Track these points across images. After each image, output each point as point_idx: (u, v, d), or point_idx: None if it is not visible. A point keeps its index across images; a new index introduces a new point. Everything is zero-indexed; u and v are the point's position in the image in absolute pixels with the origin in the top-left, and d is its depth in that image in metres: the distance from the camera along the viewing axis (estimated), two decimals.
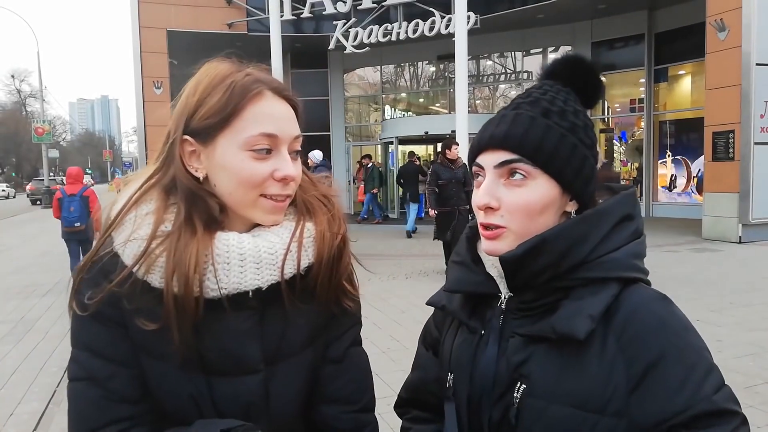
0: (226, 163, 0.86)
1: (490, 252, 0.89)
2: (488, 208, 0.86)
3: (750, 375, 3.97)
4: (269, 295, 0.88)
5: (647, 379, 0.78)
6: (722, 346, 4.50)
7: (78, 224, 7.17)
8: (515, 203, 0.85)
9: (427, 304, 1.05)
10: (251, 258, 0.86)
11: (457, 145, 7.87)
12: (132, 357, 0.87)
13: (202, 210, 0.86)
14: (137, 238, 0.84)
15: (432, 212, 7.75)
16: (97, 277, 0.85)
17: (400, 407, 1.13)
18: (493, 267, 0.93)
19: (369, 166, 15.42)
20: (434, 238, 7.76)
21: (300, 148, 0.92)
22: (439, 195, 7.58)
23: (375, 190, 15.47)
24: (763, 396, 3.64)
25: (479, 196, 0.87)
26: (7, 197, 38.90)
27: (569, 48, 16.00)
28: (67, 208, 7.16)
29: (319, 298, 0.94)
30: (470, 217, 6.55)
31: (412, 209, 12.74)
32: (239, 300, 0.86)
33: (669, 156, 14.91)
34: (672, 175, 14.90)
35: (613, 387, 0.79)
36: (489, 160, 0.87)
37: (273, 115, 0.87)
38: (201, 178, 0.88)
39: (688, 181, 14.48)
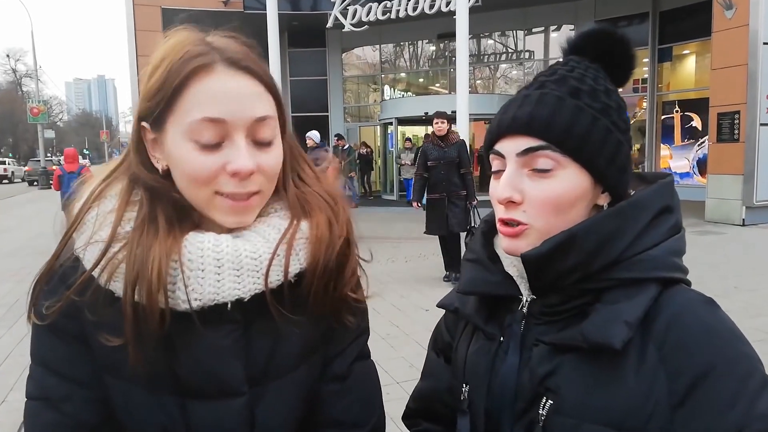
0: (174, 154, 0.73)
1: (510, 251, 0.79)
2: (510, 202, 0.76)
3: None
4: (254, 306, 0.75)
5: (694, 394, 0.68)
6: None
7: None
8: (541, 197, 0.75)
9: (438, 306, 0.95)
10: (230, 263, 0.73)
11: (444, 119, 6.24)
12: (92, 377, 0.76)
13: (166, 205, 0.74)
14: (97, 241, 0.72)
15: (415, 205, 6.58)
16: (57, 285, 0.75)
17: (409, 419, 1.03)
18: (513, 266, 0.83)
19: (345, 148, 14.72)
20: (425, 232, 6.55)
21: (270, 135, 0.75)
22: (428, 180, 6.36)
23: (352, 174, 15.31)
24: None
25: (500, 188, 0.77)
26: (11, 176, 38.56)
27: (572, 27, 15.78)
28: (67, 183, 8.20)
29: (315, 312, 0.81)
30: (468, 205, 6.22)
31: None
32: (219, 312, 0.73)
33: (677, 112, 14.77)
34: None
35: (654, 402, 0.69)
36: (510, 147, 0.77)
37: (222, 94, 0.70)
38: (161, 170, 0.76)
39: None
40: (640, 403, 0.70)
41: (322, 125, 16.71)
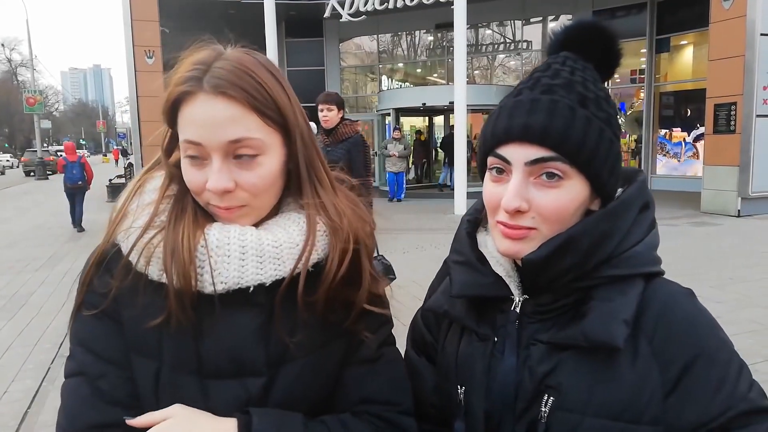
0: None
1: (512, 254, 0.79)
2: (517, 212, 0.76)
3: (750, 353, 3.94)
4: (276, 293, 0.81)
5: (683, 381, 0.73)
6: (722, 322, 4.27)
7: (80, 182, 10.46)
8: (549, 208, 0.75)
9: (426, 309, 0.96)
10: (253, 251, 0.79)
11: (331, 105, 4.50)
12: (124, 357, 0.82)
13: (194, 200, 0.83)
14: (136, 227, 0.81)
15: None
16: (103, 274, 0.82)
17: None
18: (499, 265, 0.84)
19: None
20: None
21: (250, 153, 0.78)
22: None
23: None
24: (763, 374, 3.61)
25: (508, 198, 0.76)
26: (11, 167, 38.36)
27: (569, 17, 15.71)
28: (70, 170, 10.40)
29: (328, 303, 0.85)
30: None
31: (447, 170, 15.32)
32: (244, 296, 0.80)
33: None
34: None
35: (649, 393, 0.73)
36: (519, 154, 0.76)
37: (199, 120, 0.77)
38: None
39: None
40: (636, 394, 0.73)
41: None
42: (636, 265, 0.77)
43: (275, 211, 0.87)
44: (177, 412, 0.76)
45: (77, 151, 10.95)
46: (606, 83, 0.85)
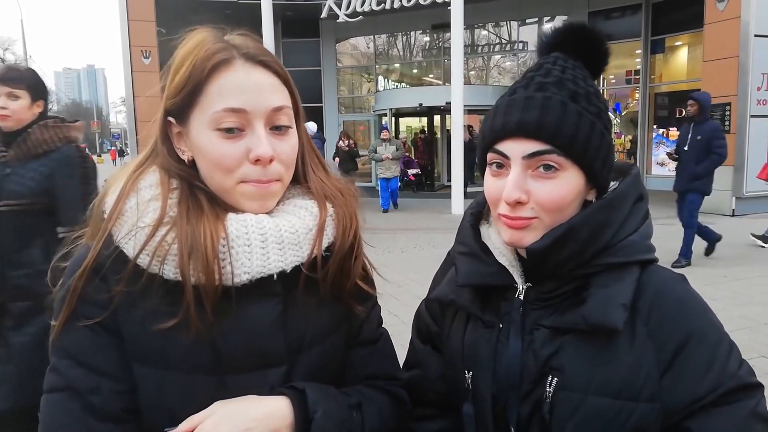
0: (199, 144, 0.79)
1: (515, 243, 0.85)
2: (518, 203, 0.81)
3: (745, 349, 3.91)
4: (290, 280, 0.82)
5: (676, 361, 0.78)
6: None
7: None
8: (547, 198, 0.81)
9: (433, 299, 1.01)
10: (273, 238, 0.79)
11: (18, 89, 2.14)
12: (120, 369, 0.78)
13: (203, 190, 0.80)
14: (143, 226, 0.75)
15: None
16: (100, 281, 0.77)
17: None
18: (503, 255, 0.90)
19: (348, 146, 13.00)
20: None
21: (286, 123, 0.81)
22: None
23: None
24: (758, 369, 3.64)
25: (508, 190, 0.81)
26: None
27: (565, 17, 15.78)
28: None
29: (333, 287, 0.88)
30: None
31: None
32: (261, 287, 0.79)
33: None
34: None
35: (645, 372, 0.78)
36: (516, 149, 0.81)
37: (241, 87, 0.77)
38: (187, 161, 0.82)
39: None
40: (634, 374, 0.78)
41: (317, 116, 16.66)
42: (632, 253, 0.83)
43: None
44: (217, 408, 0.74)
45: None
46: (597, 80, 0.90)
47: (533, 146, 0.80)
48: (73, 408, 0.75)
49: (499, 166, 0.84)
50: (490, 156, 0.84)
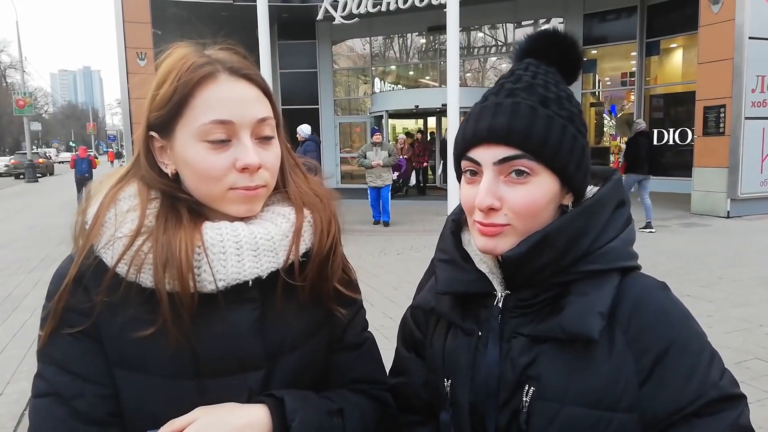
0: (185, 157, 0.80)
1: (489, 251, 0.83)
2: (491, 209, 0.80)
3: (740, 350, 4.01)
4: (268, 286, 0.83)
5: (657, 369, 0.76)
6: (712, 321, 4.54)
7: (87, 174, 14.17)
8: (520, 203, 0.80)
9: (414, 306, 1.00)
10: (248, 245, 0.80)
11: None
12: (104, 373, 0.79)
13: (182, 202, 0.82)
14: (121, 236, 0.78)
15: None
16: (82, 291, 0.79)
17: None
18: (483, 263, 0.89)
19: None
20: None
21: (270, 134, 0.84)
22: None
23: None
24: (753, 371, 3.68)
25: (481, 197, 0.80)
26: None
27: (561, 20, 15.84)
28: (80, 165, 14.49)
29: (312, 292, 0.89)
30: None
31: None
32: (239, 292, 0.80)
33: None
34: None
35: (624, 382, 0.77)
36: (487, 155, 0.80)
37: (227, 99, 0.79)
38: (170, 174, 0.83)
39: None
40: (612, 383, 0.77)
41: (313, 118, 16.65)
42: (611, 260, 0.81)
43: None
44: (199, 414, 0.76)
45: (88, 151, 15.46)
46: (571, 84, 0.89)
47: (503, 152, 0.79)
48: (59, 413, 0.78)
49: (473, 173, 0.83)
50: (464, 164, 0.84)
